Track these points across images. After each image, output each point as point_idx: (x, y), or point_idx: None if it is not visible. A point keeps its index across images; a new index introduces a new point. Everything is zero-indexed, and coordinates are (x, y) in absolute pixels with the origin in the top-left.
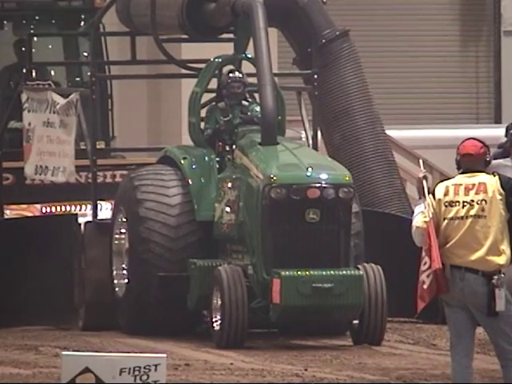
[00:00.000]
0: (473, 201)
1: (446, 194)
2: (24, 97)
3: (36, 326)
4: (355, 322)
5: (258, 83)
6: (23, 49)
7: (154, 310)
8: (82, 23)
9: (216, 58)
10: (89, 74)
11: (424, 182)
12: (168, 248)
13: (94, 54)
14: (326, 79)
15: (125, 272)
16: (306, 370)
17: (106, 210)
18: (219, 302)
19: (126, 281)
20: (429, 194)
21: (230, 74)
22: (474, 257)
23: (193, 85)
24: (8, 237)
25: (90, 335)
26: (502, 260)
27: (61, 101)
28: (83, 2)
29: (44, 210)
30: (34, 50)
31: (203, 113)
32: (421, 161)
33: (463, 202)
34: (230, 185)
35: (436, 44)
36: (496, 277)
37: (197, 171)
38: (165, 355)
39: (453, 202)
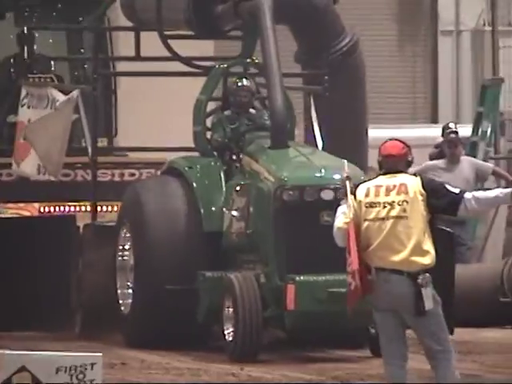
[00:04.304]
0: (394, 202)
1: (366, 195)
2: (23, 92)
3: (32, 329)
4: (373, 330)
5: (267, 84)
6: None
7: (161, 324)
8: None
9: (221, 63)
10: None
11: (347, 182)
12: (174, 258)
13: (97, 49)
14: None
15: (130, 291)
16: (241, 369)
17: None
18: (231, 311)
19: (131, 300)
20: (351, 194)
21: (238, 82)
22: (398, 258)
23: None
24: (5, 236)
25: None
26: (426, 260)
27: (61, 97)
28: None
29: (42, 210)
30: (36, 43)
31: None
32: (345, 162)
33: (384, 203)
34: (238, 192)
35: (374, 44)
36: (421, 276)
37: (203, 180)
38: (101, 354)
39: (373, 203)
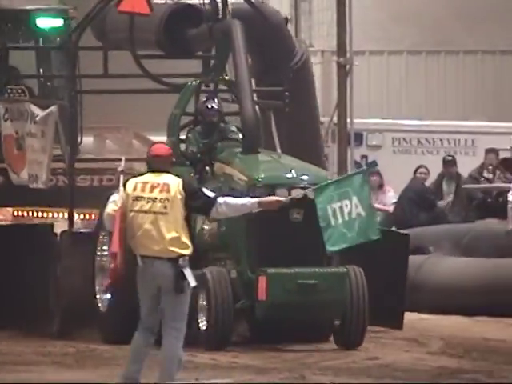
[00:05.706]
0: (156, 198)
1: (134, 189)
2: (2, 109)
3: (16, 328)
4: (337, 322)
5: (239, 95)
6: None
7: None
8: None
9: (193, 80)
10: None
11: (121, 176)
12: None
13: (71, 68)
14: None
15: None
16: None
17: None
18: (205, 303)
19: (109, 299)
20: (122, 187)
21: (207, 103)
22: (159, 247)
23: None
24: None
25: None
26: (184, 251)
27: (39, 112)
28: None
29: (16, 214)
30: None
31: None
32: (123, 158)
33: (148, 198)
34: None
35: None
36: (181, 259)
37: None
38: None
39: (139, 197)
